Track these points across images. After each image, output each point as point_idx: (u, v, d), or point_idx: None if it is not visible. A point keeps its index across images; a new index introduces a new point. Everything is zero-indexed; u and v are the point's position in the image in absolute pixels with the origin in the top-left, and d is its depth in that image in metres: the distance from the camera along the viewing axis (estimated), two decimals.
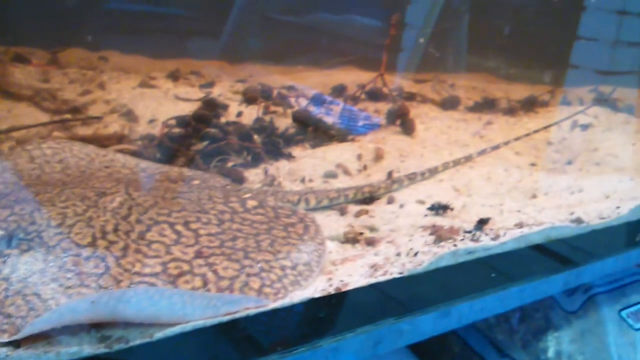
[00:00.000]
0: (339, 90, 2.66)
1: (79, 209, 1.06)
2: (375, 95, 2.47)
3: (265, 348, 0.98)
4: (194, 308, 0.94)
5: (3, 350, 0.80)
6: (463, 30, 3.48)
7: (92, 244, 1.00)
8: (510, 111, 2.55)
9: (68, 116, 2.18)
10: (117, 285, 0.96)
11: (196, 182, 1.38)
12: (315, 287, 1.10)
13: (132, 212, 1.09)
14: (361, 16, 3.26)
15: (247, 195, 1.32)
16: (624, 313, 1.87)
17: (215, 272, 1.03)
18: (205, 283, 1.01)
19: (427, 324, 1.14)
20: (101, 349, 0.88)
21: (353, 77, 2.92)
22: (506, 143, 2.05)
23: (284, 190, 1.56)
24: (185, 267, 1.02)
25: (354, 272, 1.18)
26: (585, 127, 2.49)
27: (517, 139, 2.13)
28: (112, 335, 0.91)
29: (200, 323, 0.94)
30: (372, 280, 1.15)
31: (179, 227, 1.10)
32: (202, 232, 1.12)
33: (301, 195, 1.47)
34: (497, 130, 2.28)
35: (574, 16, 3.44)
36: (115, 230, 1.04)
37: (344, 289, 1.12)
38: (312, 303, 1.08)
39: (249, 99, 2.16)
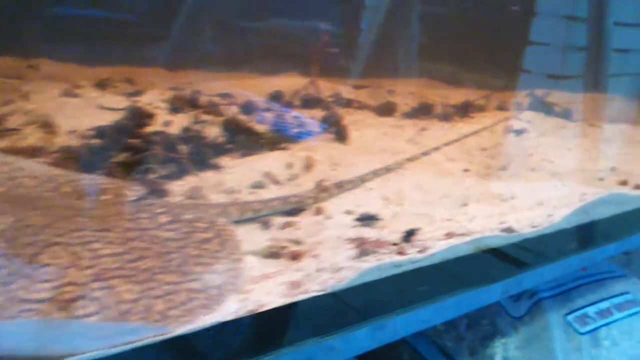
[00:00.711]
0: (275, 97, 2.60)
1: None
2: (310, 102, 2.42)
3: None
4: (85, 339, 0.86)
5: None
6: (413, 35, 3.48)
7: None
8: (446, 117, 2.55)
9: None
10: (0, 315, 0.86)
11: (106, 197, 1.28)
12: (228, 309, 1.03)
13: (22, 235, 0.99)
14: (318, 21, 3.20)
15: (160, 210, 1.23)
16: (569, 317, 1.87)
17: (114, 295, 0.95)
18: (102, 307, 0.92)
19: (361, 339, 1.10)
20: None
21: (293, 84, 2.87)
22: (435, 149, 2.02)
23: (205, 203, 1.48)
24: (81, 290, 0.93)
25: (272, 290, 1.12)
26: (519, 132, 2.51)
27: (447, 144, 2.11)
28: None
29: (93, 354, 0.86)
30: (291, 299, 1.09)
31: (75, 249, 1.01)
32: (103, 252, 1.03)
33: (223, 208, 1.39)
34: (432, 136, 2.26)
35: (525, 21, 3.49)
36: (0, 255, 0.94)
37: (259, 310, 1.05)
38: (225, 326, 1.01)
39: (176, 107, 2.07)
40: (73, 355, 0.84)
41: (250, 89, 2.77)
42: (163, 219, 1.19)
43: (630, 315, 2.06)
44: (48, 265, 0.96)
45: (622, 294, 2.15)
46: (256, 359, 0.96)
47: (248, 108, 2.19)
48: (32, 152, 1.84)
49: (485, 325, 1.80)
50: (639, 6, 3.77)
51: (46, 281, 0.93)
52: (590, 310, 1.99)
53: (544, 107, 3.18)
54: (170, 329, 0.94)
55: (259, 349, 0.99)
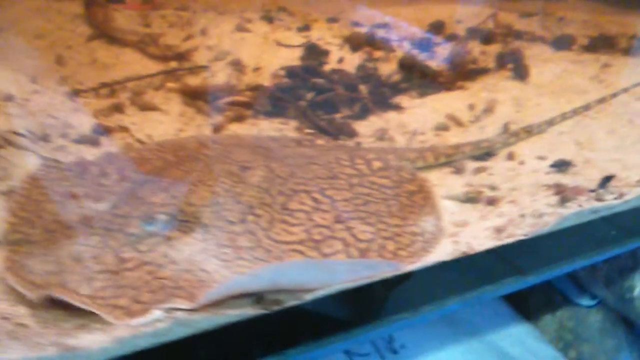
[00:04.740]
0: (436, 28, 2.54)
1: (227, 185, 1.14)
2: (478, 35, 2.35)
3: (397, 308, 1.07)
4: (338, 273, 1.01)
5: (184, 315, 0.91)
6: None
7: (243, 220, 1.08)
8: (633, 51, 2.32)
9: (175, 64, 2.25)
10: (268, 255, 1.03)
11: (320, 141, 1.43)
12: (444, 250, 1.14)
13: (274, 185, 1.16)
14: None
15: (371, 156, 1.35)
16: None
17: (354, 235, 1.10)
18: (346, 246, 1.08)
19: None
20: (260, 310, 0.98)
21: (450, 12, 2.77)
22: (625, 90, 1.90)
23: (402, 147, 1.58)
24: (327, 232, 1.09)
25: (478, 234, 1.21)
26: None
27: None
28: (267, 298, 1.01)
29: (343, 286, 1.01)
30: (498, 243, 1.18)
31: (316, 195, 1.16)
32: (337, 197, 1.18)
33: (419, 153, 1.49)
34: (618, 74, 2.11)
35: None
36: (261, 204, 1.12)
37: (471, 252, 1.16)
38: (444, 266, 1.13)
39: (355, 45, 2.13)
40: (330, 286, 1.01)
41: (404, 18, 2.71)
42: (376, 164, 1.32)
43: None
44: (297, 210, 1.13)
45: None
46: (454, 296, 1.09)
47: (420, 43, 2.20)
48: (229, 91, 2.02)
49: (625, 257, 1.73)
50: None
51: (299, 225, 1.10)
52: None
53: None
54: (402, 266, 1.07)
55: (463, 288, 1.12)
